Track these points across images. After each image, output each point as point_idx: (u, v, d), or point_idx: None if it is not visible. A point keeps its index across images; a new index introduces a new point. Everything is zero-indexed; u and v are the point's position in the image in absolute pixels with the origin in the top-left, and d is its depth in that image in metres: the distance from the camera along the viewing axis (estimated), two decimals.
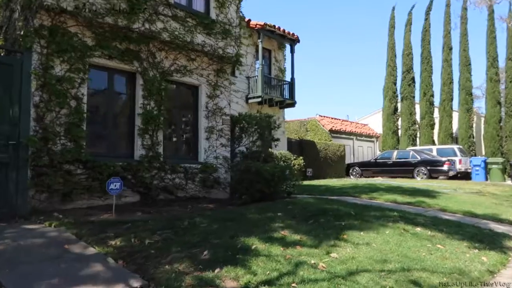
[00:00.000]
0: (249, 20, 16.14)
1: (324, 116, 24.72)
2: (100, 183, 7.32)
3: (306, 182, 15.44)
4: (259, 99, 15.97)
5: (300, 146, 19.06)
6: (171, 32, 8.50)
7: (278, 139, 11.49)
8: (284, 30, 16.70)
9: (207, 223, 5.71)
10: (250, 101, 16.16)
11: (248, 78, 16.31)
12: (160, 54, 8.65)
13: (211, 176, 9.44)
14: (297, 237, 5.09)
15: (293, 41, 17.55)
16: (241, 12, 10.74)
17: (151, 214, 6.82)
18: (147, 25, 8.10)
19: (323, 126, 23.16)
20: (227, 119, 10.09)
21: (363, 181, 16.43)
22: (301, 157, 17.40)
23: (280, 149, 16.76)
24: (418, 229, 5.94)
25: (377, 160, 20.97)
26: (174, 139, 9.32)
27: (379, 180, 16.57)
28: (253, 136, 10.59)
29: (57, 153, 6.85)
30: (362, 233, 5.45)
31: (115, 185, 6.51)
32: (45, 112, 6.82)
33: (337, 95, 77.21)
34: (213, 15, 9.52)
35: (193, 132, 9.52)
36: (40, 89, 6.76)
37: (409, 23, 27.00)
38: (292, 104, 17.61)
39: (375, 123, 28.23)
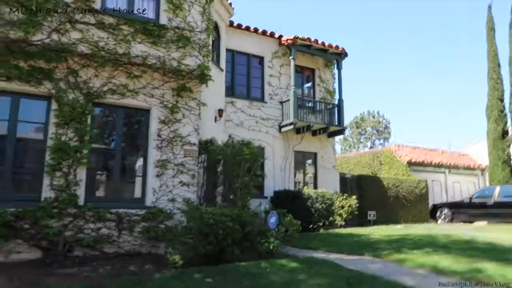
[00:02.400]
0: (280, 36, 13.87)
1: (402, 146, 20.39)
2: None
3: (347, 230, 11.92)
4: (291, 127, 13.26)
5: (358, 183, 15.45)
6: (93, 43, 6.78)
7: (259, 175, 8.53)
8: (323, 43, 13.94)
9: None
10: (283, 129, 13.56)
11: (281, 103, 13.82)
12: (86, 71, 6.96)
13: (161, 225, 7.17)
14: None
15: (339, 55, 14.58)
16: (213, 14, 8.59)
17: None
18: (55, 37, 6.52)
19: (399, 157, 18.91)
20: (192, 150, 7.81)
21: (446, 230, 12.13)
22: (354, 197, 13.86)
23: (328, 187, 13.63)
24: None
25: (473, 200, 15.94)
26: (107, 177, 7.36)
27: (470, 230, 12.04)
28: (233, 172, 8.00)
29: None
30: None
31: None
32: None
33: (435, 122, 66.33)
34: (163, 19, 7.59)
35: (140, 167, 7.46)
36: None
37: None
38: (341, 131, 14.40)
39: (479, 152, 22.45)
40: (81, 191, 6.69)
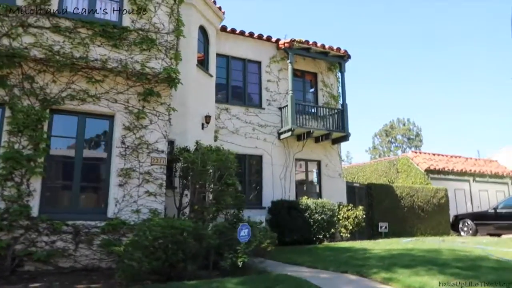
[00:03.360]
0: (278, 40, 13.32)
1: (420, 152, 19.08)
2: None
3: (349, 244, 11.03)
4: (289, 133, 12.57)
5: (367, 192, 14.45)
6: (46, 47, 6.51)
7: (231, 184, 7.82)
8: (323, 46, 13.25)
9: None
10: (282, 136, 12.90)
11: (280, 109, 13.19)
12: (43, 77, 6.69)
13: (123, 237, 6.70)
14: None
15: (341, 57, 13.83)
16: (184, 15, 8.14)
17: None
18: (5, 41, 6.29)
19: (417, 164, 17.65)
20: (160, 157, 7.34)
21: (461, 244, 11.01)
22: (360, 207, 12.93)
23: (334, 197, 12.84)
24: None
25: (498, 210, 14.56)
26: (66, 186, 6.98)
27: (489, 245, 10.85)
28: (199, 181, 7.42)
29: None
30: None
31: None
32: None
33: (465, 129, 62.53)
34: (126, 21, 7.25)
35: (101, 176, 7.07)
36: None
37: None
38: (345, 138, 13.52)
39: (510, 159, 20.71)
40: (34, 202, 6.35)
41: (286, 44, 12.97)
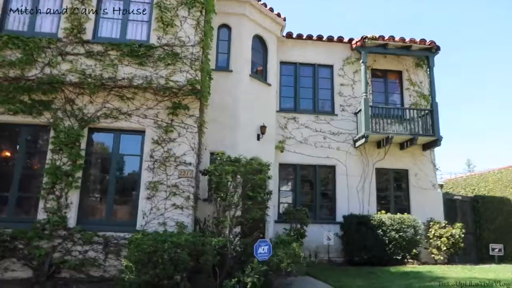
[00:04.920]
0: (351, 40, 12.24)
1: None
2: None
3: (433, 269, 9.23)
4: (363, 140, 11.28)
5: (473, 207, 11.99)
6: (80, 71, 7.13)
7: (252, 197, 7.08)
8: (403, 39, 11.60)
9: None
10: (358, 144, 11.67)
11: (356, 114, 12.00)
12: (82, 99, 7.35)
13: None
14: None
15: (428, 50, 11.92)
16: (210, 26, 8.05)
17: None
18: (47, 70, 7.11)
19: None
20: (188, 170, 7.32)
21: None
22: (458, 225, 10.79)
23: (426, 211, 11.20)
24: None
25: None
26: (100, 200, 7.40)
27: None
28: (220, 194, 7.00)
29: None
30: None
31: None
32: None
33: None
34: (153, 39, 7.49)
35: (133, 189, 7.34)
36: None
37: None
38: (436, 142, 11.49)
39: None
40: (71, 214, 6.92)
41: (357, 43, 11.84)
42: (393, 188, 12.00)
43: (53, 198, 6.92)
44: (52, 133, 7.19)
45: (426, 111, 11.67)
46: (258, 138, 10.12)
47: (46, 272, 6.55)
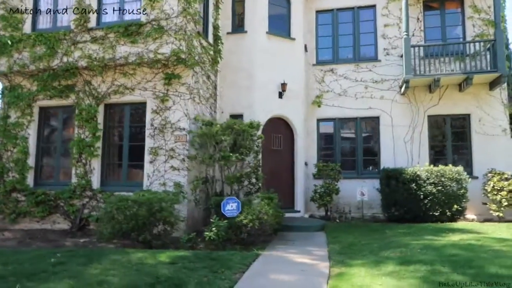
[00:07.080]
0: None
1: None
2: (42, 209, 8.35)
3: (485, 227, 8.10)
4: (405, 86, 10.02)
5: None
6: (87, 56, 8.24)
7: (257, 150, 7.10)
8: None
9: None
10: (403, 90, 10.43)
11: (401, 56, 10.65)
12: (96, 80, 8.52)
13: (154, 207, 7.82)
14: None
15: None
16: None
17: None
18: (64, 59, 8.40)
19: None
20: (182, 135, 7.95)
21: None
22: None
23: (495, 162, 9.85)
24: None
25: None
26: (118, 165, 8.54)
27: None
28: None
29: (8, 183, 8.65)
30: None
31: None
32: (3, 152, 8.86)
33: None
34: (143, 17, 8.08)
35: (139, 155, 8.31)
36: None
37: None
38: (498, 80, 9.44)
39: None
40: (95, 178, 8.31)
41: None
42: (450, 138, 10.50)
43: (80, 166, 8.39)
44: (76, 111, 8.59)
45: (488, 43, 9.68)
46: (281, 96, 10.02)
47: (78, 224, 8.14)
